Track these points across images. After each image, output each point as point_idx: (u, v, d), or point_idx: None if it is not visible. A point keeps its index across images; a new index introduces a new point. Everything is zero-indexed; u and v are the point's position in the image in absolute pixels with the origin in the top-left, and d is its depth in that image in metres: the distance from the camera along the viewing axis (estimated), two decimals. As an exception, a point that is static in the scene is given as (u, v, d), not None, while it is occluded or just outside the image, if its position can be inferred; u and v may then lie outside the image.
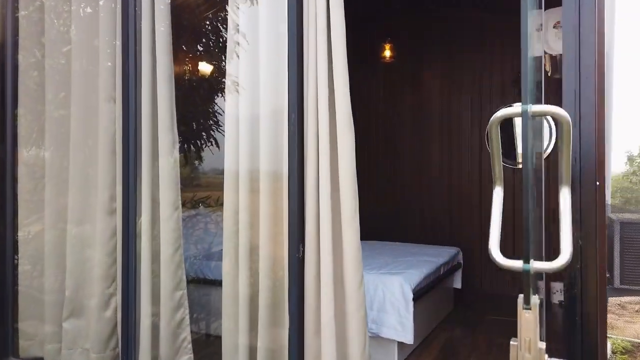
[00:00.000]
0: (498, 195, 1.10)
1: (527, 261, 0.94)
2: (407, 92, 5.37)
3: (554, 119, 1.01)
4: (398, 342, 2.89)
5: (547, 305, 4.01)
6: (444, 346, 3.36)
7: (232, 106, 2.33)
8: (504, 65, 4.91)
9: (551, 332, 3.41)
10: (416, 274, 3.09)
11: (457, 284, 4.26)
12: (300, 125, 2.09)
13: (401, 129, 5.40)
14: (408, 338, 2.82)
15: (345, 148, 1.95)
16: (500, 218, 1.05)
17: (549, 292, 4.60)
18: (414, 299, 2.91)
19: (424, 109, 5.28)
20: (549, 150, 4.44)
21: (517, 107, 0.98)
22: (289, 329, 2.09)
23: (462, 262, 4.33)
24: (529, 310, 0.94)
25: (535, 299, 0.94)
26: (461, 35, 5.09)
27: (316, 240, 1.99)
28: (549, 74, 3.88)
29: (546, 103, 4.01)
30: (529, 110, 0.95)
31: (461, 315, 4.09)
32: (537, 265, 0.96)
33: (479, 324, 3.86)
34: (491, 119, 1.01)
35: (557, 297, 4.49)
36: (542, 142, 1.84)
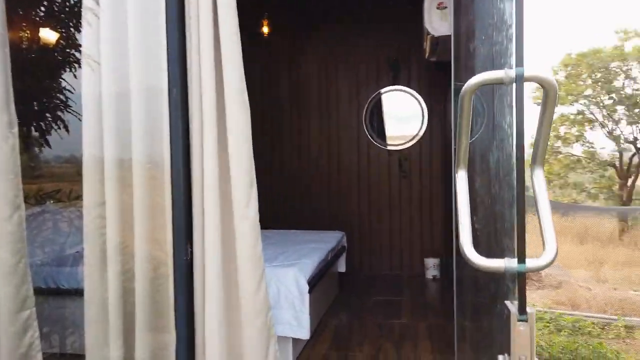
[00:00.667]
0: (463, 180, 0.91)
1: (522, 260, 0.75)
2: (285, 71, 5.14)
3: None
4: (293, 338, 2.71)
5: (422, 281, 4.09)
6: (336, 334, 3.27)
7: (90, 82, 1.86)
8: (381, 48, 4.94)
9: (429, 307, 3.48)
10: (309, 264, 2.91)
11: (342, 267, 4.22)
12: (184, 103, 1.73)
13: (280, 109, 5.16)
14: (304, 333, 2.64)
15: (239, 129, 1.66)
16: (469, 208, 0.87)
17: (423, 268, 4.81)
18: (308, 291, 2.74)
19: (302, 85, 5.11)
20: (420, 133, 4.54)
21: (499, 72, 0.80)
22: (177, 345, 1.76)
23: (346, 245, 4.30)
24: (524, 323, 0.76)
25: (530, 309, 0.78)
26: (340, 15, 4.99)
27: (203, 237, 1.68)
28: (427, 57, 3.96)
29: (426, 90, 3.98)
30: (519, 75, 0.77)
31: (347, 299, 4.06)
32: (528, 264, 0.79)
33: (365, 307, 3.86)
34: (465, 86, 0.82)
35: (431, 272, 4.72)
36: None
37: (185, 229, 1.72)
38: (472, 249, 0.81)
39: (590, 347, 4.19)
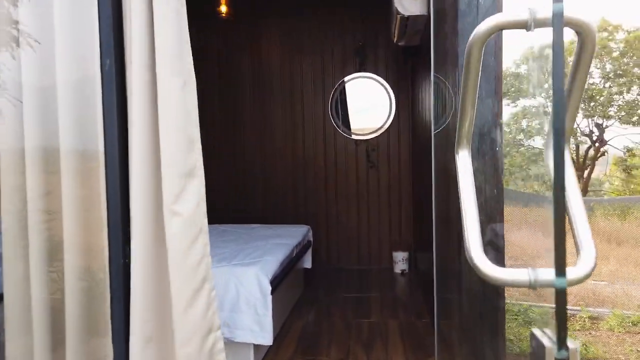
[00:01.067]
0: (465, 161, 0.69)
1: (561, 272, 0.53)
2: (245, 55, 4.84)
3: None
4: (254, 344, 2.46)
5: (391, 275, 3.91)
6: (301, 337, 3.04)
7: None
8: (347, 33, 4.72)
9: (399, 304, 3.30)
10: (272, 262, 2.67)
11: (308, 263, 4.00)
12: (119, 76, 1.45)
13: (242, 94, 4.87)
14: (267, 339, 2.40)
15: (171, 104, 1.37)
16: (475, 199, 0.66)
17: (391, 261, 4.65)
18: (271, 292, 2.50)
19: (264, 72, 4.83)
20: (388, 122, 4.33)
21: (520, 13, 0.58)
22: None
23: (312, 240, 4.08)
24: (565, 360, 0.53)
25: (573, 342, 0.55)
26: (302, -4, 4.74)
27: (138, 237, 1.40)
28: (395, 40, 3.77)
29: (393, 78, 3.73)
30: (558, 13, 0.54)
31: (313, 296, 3.85)
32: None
33: (333, 305, 3.66)
34: (474, 34, 0.60)
35: (400, 266, 4.57)
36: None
37: (122, 227, 1.45)
38: (483, 256, 0.60)
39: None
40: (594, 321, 4.96)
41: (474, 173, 0.65)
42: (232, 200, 4.88)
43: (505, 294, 1.62)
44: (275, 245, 3.11)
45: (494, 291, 1.43)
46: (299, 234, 3.59)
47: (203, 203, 1.36)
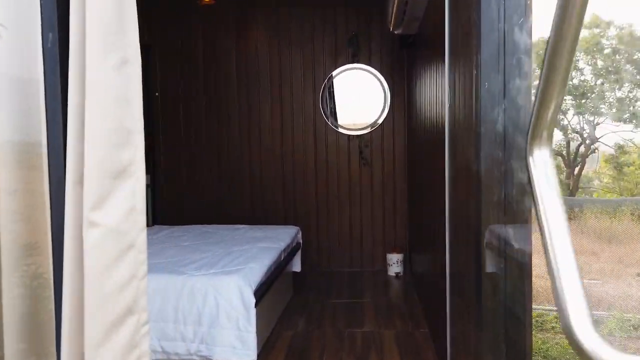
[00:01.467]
0: (546, 168, 0.44)
1: None
2: (232, 45, 4.57)
3: None
4: (237, 361, 2.21)
5: (385, 278, 3.63)
6: (290, 349, 2.79)
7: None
8: (337, 22, 4.46)
9: (394, 311, 3.07)
10: (257, 269, 2.41)
11: (297, 267, 3.75)
12: (63, 55, 1.18)
13: (228, 88, 4.59)
14: (250, 357, 2.15)
15: (100, 87, 1.08)
16: (569, 234, 0.41)
17: (385, 264, 4.43)
18: (255, 304, 2.25)
19: (251, 64, 4.55)
20: (383, 117, 4.07)
21: None
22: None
23: (302, 241, 3.83)
24: None
25: None
26: (291, -17, 4.46)
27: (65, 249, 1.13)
28: (391, 29, 3.52)
29: (388, 70, 3.43)
30: None
31: (303, 303, 3.60)
32: None
33: (324, 312, 3.41)
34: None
35: (394, 269, 4.34)
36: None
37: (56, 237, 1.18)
38: (594, 332, 0.36)
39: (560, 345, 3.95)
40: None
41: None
42: (218, 200, 4.61)
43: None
44: (261, 249, 2.86)
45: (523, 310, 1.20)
46: (287, 236, 3.34)
47: (139, 211, 1.04)
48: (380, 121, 4.47)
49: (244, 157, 4.59)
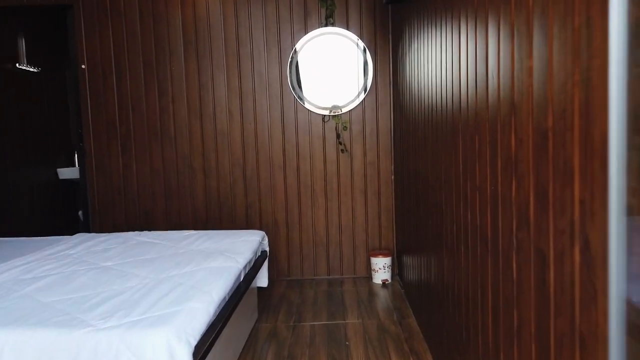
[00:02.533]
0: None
1: None
2: (175, 5, 3.66)
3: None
4: None
5: (369, 288, 2.84)
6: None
7: None
8: (307, -24, 3.63)
9: (387, 334, 2.33)
10: (201, 312, 1.61)
11: (263, 281, 2.96)
12: None
13: (169, 58, 3.69)
14: None
15: None
16: None
17: (370, 269, 3.70)
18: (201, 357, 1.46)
19: (201, 29, 3.67)
20: (364, 93, 3.28)
21: None
22: None
23: (268, 250, 3.03)
24: None
25: None
26: None
27: None
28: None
29: (369, 36, 2.50)
30: None
31: (270, 328, 2.82)
32: None
33: (297, 339, 2.65)
34: None
35: (380, 275, 3.61)
36: None
37: None
38: None
39: None
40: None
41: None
42: (161, 196, 3.75)
43: None
44: (212, 271, 2.04)
45: None
46: (248, 248, 2.53)
47: None
48: (360, 98, 3.69)
49: (194, 143, 3.73)
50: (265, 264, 2.95)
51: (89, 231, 3.78)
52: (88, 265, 2.23)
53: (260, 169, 3.75)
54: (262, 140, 3.73)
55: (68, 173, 4.70)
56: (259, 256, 2.73)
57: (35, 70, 4.46)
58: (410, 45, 2.81)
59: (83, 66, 3.71)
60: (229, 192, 3.76)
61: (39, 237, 3.00)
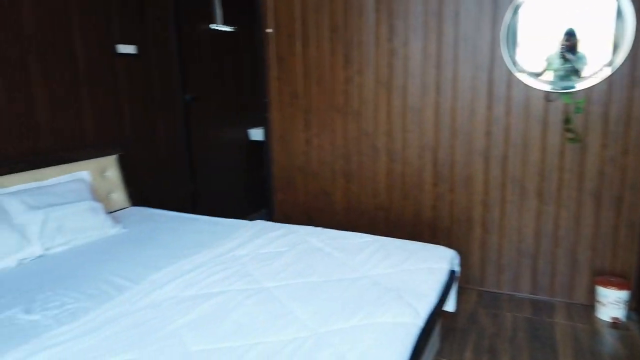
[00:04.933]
0: None
1: None
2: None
3: None
4: None
5: (590, 326, 1.96)
6: None
7: None
8: None
9: None
10: None
11: (449, 305, 2.42)
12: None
13: (358, 19, 3.17)
14: None
15: None
16: None
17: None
18: None
19: (397, -14, 3.03)
20: (612, 66, 2.28)
21: None
22: None
23: (458, 269, 2.44)
24: None
25: None
26: None
27: None
28: None
29: None
30: None
31: (454, 369, 2.30)
32: None
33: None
34: None
35: (609, 311, 2.72)
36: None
37: None
38: None
39: None
40: None
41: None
42: (340, 180, 3.39)
43: None
44: (382, 333, 1.58)
45: None
46: (434, 282, 1.99)
47: None
48: (605, 72, 2.66)
49: (380, 120, 3.23)
50: (455, 286, 2.38)
51: (269, 204, 3.70)
52: (250, 283, 1.99)
53: (455, 155, 3.08)
54: (461, 119, 3.03)
55: (257, 135, 4.71)
56: (445, 287, 2.18)
57: (230, 29, 4.43)
58: None
59: (269, 30, 3.45)
60: (416, 179, 3.21)
61: (221, 219, 2.94)
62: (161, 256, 2.32)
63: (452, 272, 2.37)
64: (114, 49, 3.27)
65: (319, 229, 2.67)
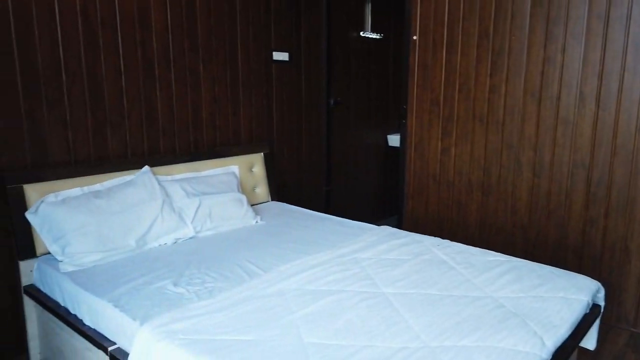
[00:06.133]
0: None
1: None
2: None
3: None
4: None
5: None
6: None
7: None
8: None
9: None
10: None
11: (590, 343, 2.16)
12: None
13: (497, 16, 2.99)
14: None
15: None
16: None
17: None
18: None
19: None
20: None
21: None
22: None
23: (603, 304, 2.17)
24: None
25: None
26: None
27: None
28: None
29: None
30: None
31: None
32: None
33: None
34: None
35: None
36: None
37: None
38: None
39: None
40: None
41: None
42: (477, 193, 3.24)
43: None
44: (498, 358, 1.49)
45: None
46: (568, 313, 1.81)
47: None
48: None
49: (526, 132, 3.01)
50: (597, 323, 2.13)
51: (400, 210, 3.69)
52: (368, 286, 2.03)
53: (614, 175, 2.73)
54: (623, 136, 2.68)
55: (396, 141, 4.72)
56: (582, 321, 1.95)
57: (378, 37, 4.51)
58: None
59: (414, 37, 3.44)
60: (564, 199, 2.92)
61: (350, 221, 3.04)
62: (291, 249, 2.49)
63: (596, 306, 2.12)
64: (270, 56, 3.58)
65: (445, 241, 2.60)
